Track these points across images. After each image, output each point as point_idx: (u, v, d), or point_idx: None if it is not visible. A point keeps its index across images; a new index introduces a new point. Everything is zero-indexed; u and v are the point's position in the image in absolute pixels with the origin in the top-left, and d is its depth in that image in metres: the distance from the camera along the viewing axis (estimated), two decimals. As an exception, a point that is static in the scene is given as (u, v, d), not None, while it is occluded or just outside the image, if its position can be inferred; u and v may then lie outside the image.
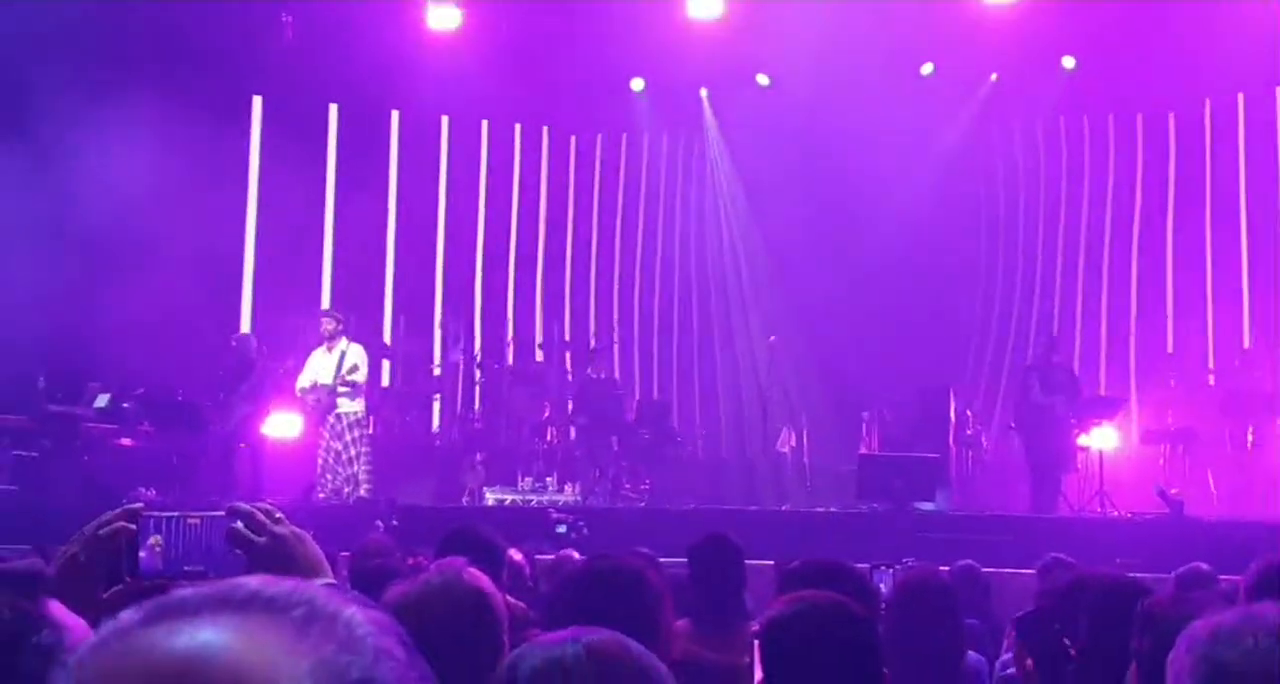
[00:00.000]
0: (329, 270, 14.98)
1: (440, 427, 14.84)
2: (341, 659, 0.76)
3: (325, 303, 14.22)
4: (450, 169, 16.02)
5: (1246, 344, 13.71)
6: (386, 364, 14.62)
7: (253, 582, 0.80)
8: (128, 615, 0.77)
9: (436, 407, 14.88)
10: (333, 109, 14.95)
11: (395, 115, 15.47)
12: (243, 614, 0.76)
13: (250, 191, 14.29)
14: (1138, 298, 15.07)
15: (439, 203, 15.95)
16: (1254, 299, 14.06)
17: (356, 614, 0.79)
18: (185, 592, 0.79)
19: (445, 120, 15.90)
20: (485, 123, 16.18)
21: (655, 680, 1.60)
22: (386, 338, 14.89)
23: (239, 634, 0.74)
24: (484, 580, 2.57)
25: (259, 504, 1.86)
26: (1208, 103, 14.58)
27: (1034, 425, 11.92)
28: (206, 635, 0.74)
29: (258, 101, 14.35)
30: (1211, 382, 13.31)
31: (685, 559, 4.50)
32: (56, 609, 1.69)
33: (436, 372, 14.97)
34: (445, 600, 2.45)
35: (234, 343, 12.07)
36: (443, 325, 15.23)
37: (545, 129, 16.65)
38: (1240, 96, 14.25)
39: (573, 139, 16.77)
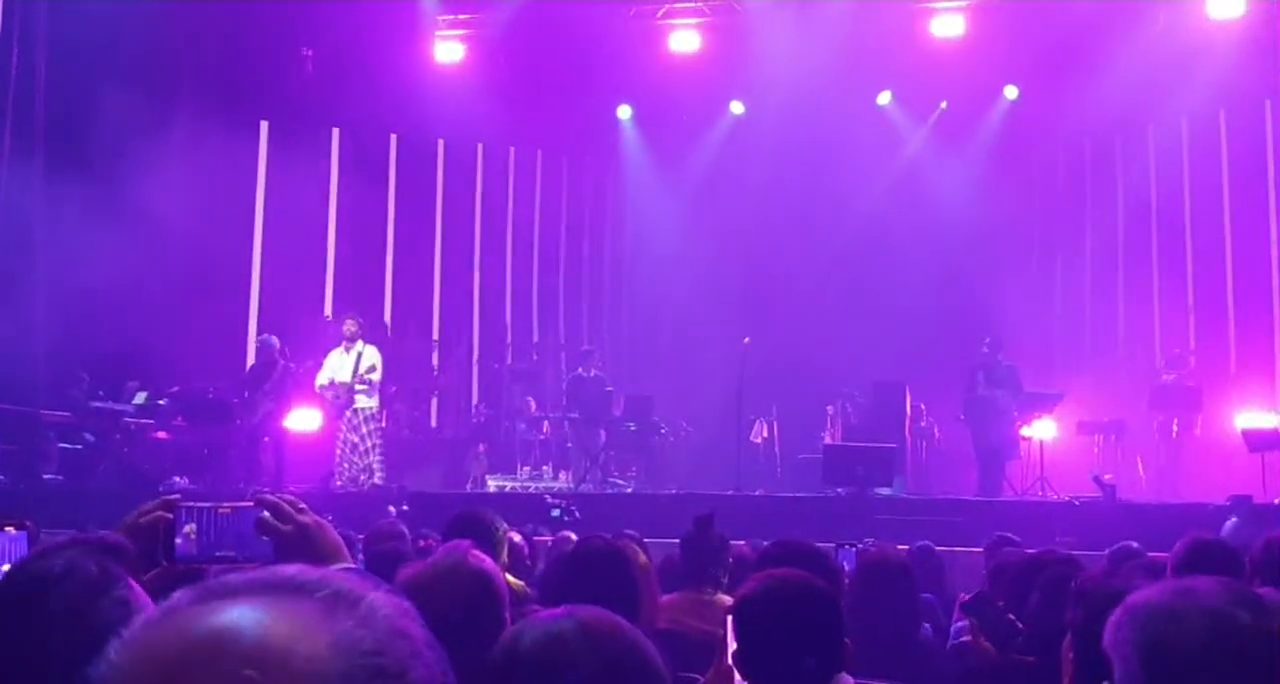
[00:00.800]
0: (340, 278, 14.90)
1: (440, 421, 14.81)
2: (357, 634, 0.77)
3: (328, 309, 14.16)
4: (446, 188, 15.95)
5: (1193, 345, 13.72)
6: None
7: (290, 569, 0.81)
8: (180, 595, 0.79)
9: (434, 403, 14.85)
10: (335, 133, 14.77)
11: (394, 138, 15.34)
12: (275, 596, 0.78)
13: (259, 208, 14.15)
14: (1092, 300, 15.14)
15: (436, 218, 15.89)
16: (1198, 305, 14.09)
17: (379, 598, 0.80)
18: (231, 577, 0.80)
19: (441, 143, 15.82)
20: (480, 146, 16.09)
21: (642, 652, 1.61)
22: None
23: (267, 612, 0.76)
24: (487, 561, 2.56)
25: (284, 495, 1.86)
26: (1150, 127, 14.57)
27: (980, 417, 11.96)
28: (238, 613, 0.76)
29: (265, 126, 14.15)
30: (1170, 378, 13.27)
31: (668, 539, 4.50)
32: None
33: (435, 372, 14.96)
34: (452, 580, 2.44)
35: (258, 345, 12.04)
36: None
37: (539, 153, 16.61)
38: (1184, 120, 14.20)
39: (565, 161, 16.77)
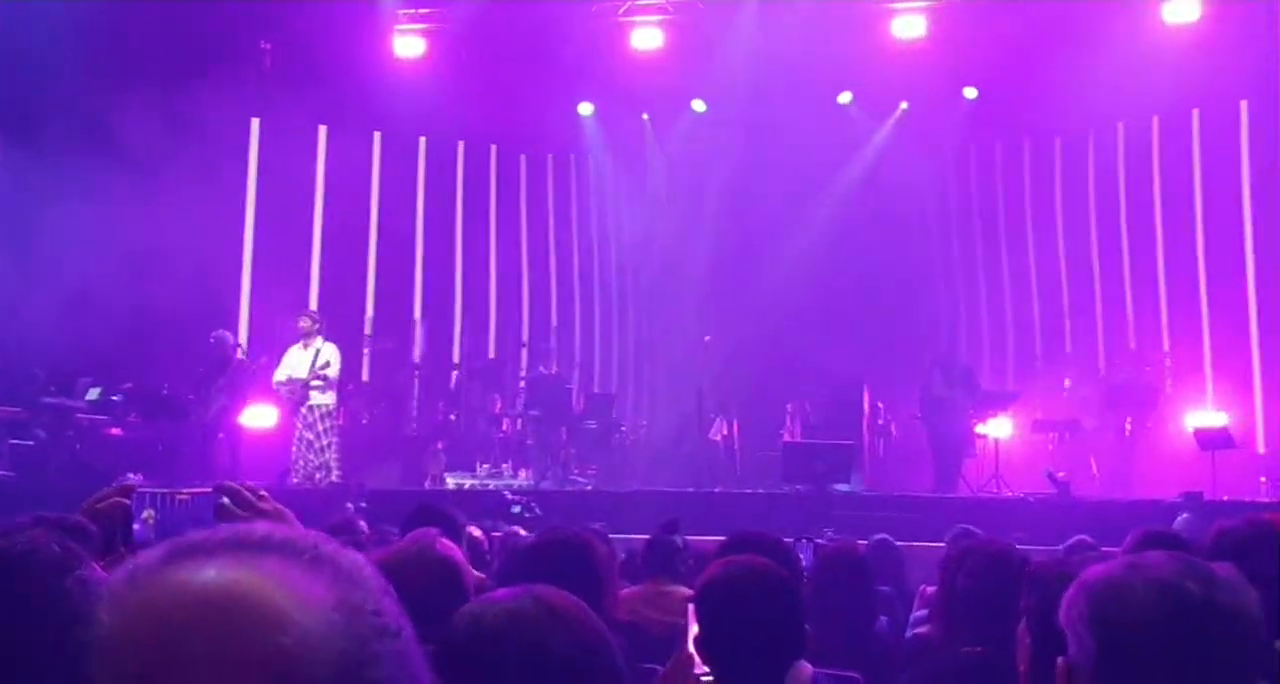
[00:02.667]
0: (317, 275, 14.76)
1: (399, 419, 14.69)
2: (356, 595, 0.77)
3: (314, 304, 14.00)
4: (383, 182, 15.61)
5: (1132, 345, 13.91)
6: (365, 359, 14.46)
7: (259, 527, 0.80)
8: (148, 555, 0.78)
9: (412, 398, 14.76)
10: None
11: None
12: (259, 555, 0.77)
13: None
14: (1039, 301, 15.29)
15: (370, 212, 15.70)
16: (1136, 305, 14.30)
17: (355, 558, 0.81)
18: (199, 535, 0.79)
19: (377, 136, 15.48)
20: (423, 140, 15.74)
21: (596, 628, 1.63)
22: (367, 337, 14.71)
23: (262, 573, 0.75)
24: (455, 550, 2.57)
25: (245, 484, 1.86)
26: (1091, 132, 14.80)
27: (937, 415, 12.09)
28: (233, 573, 0.74)
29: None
30: (1125, 377, 13.43)
31: (628, 535, 4.52)
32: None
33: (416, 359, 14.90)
34: (418, 566, 2.45)
35: (212, 340, 11.87)
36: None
37: (494, 148, 16.38)
38: (1120, 125, 14.48)
39: (522, 158, 16.63)
